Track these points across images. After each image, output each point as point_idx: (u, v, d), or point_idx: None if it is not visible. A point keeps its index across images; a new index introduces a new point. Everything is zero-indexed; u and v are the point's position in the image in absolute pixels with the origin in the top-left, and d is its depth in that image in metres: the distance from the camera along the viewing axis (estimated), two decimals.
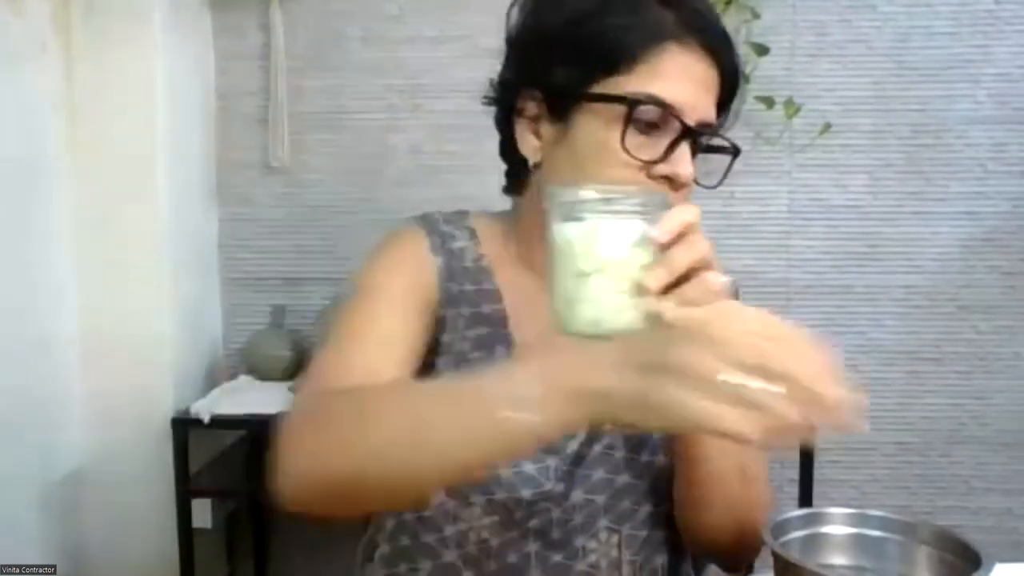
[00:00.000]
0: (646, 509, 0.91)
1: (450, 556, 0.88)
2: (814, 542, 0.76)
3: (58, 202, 1.90)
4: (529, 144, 0.88)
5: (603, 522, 0.89)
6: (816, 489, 1.90)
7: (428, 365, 0.91)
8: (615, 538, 0.89)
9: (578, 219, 0.65)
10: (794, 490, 1.97)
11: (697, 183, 0.84)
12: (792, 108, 2.05)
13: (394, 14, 2.17)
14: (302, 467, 0.72)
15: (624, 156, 0.81)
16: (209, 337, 2.24)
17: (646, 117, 0.80)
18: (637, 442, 0.91)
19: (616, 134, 0.81)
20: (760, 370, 0.53)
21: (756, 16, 2.00)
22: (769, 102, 2.02)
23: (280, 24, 2.17)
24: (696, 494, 0.86)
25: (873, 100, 2.13)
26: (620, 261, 0.65)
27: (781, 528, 0.74)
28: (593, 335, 0.66)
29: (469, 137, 2.14)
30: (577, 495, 0.88)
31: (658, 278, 0.63)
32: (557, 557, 0.88)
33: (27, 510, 1.84)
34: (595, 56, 0.82)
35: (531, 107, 0.87)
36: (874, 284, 2.18)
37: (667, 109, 0.80)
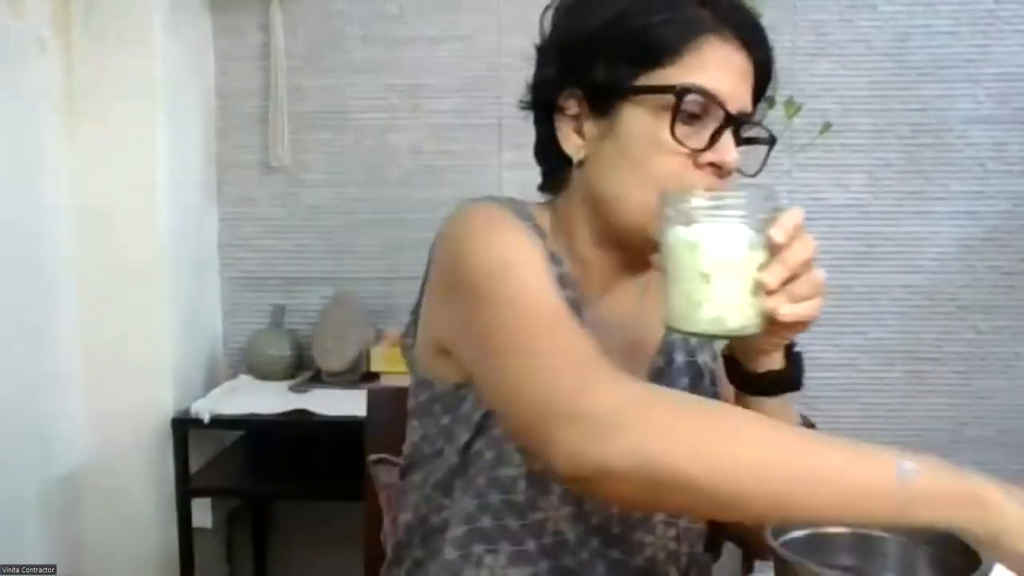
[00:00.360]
0: None
1: (530, 545, 0.87)
2: (814, 542, 0.76)
3: (58, 201, 1.90)
4: (572, 142, 0.89)
5: (659, 516, 0.91)
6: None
7: None
8: (672, 531, 0.91)
9: (697, 222, 0.70)
10: None
11: (740, 172, 0.87)
12: (792, 108, 2.05)
13: (394, 14, 2.17)
14: (671, 460, 0.65)
15: (673, 145, 0.83)
16: (209, 337, 2.24)
17: (691, 107, 0.83)
18: None
19: (664, 124, 0.83)
20: None
21: (756, 16, 2.00)
22: (769, 102, 2.01)
23: (280, 24, 2.17)
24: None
25: (873, 100, 2.14)
26: (740, 262, 0.70)
27: (781, 528, 0.74)
28: (714, 334, 0.72)
29: (469, 137, 2.14)
30: None
31: (777, 277, 0.71)
32: (616, 553, 0.89)
33: (27, 510, 1.84)
34: (638, 51, 0.84)
35: (572, 105, 0.89)
36: (874, 284, 2.18)
37: (711, 98, 0.83)
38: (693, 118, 0.83)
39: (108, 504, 2.01)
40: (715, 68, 0.83)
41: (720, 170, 0.84)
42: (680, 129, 0.82)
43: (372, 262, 2.22)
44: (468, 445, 0.88)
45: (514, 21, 2.11)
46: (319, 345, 2.12)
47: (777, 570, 0.69)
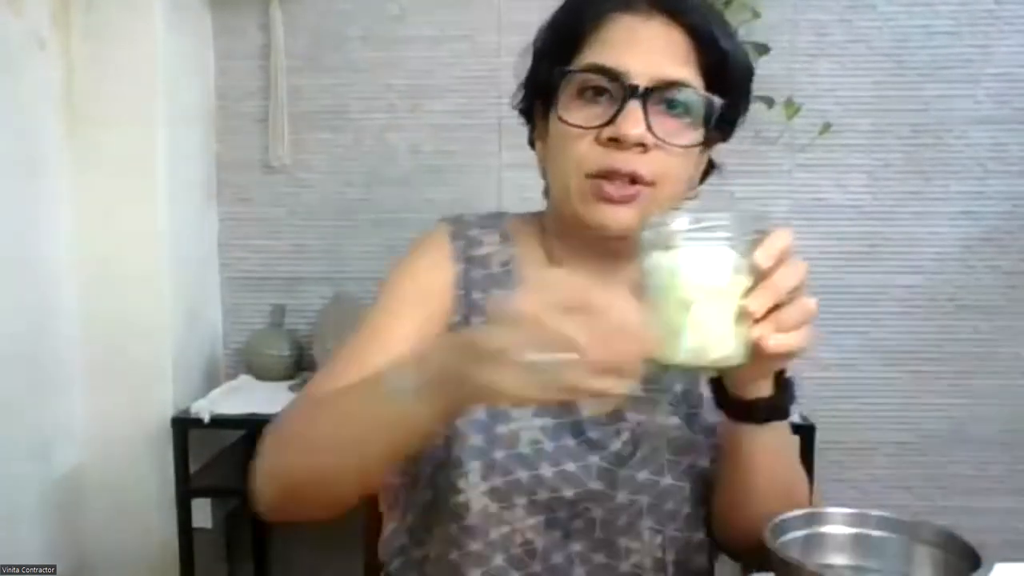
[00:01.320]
0: (688, 511, 0.91)
1: (498, 560, 0.87)
2: (814, 542, 0.76)
3: (58, 201, 1.90)
4: (538, 150, 0.95)
5: (647, 523, 0.89)
6: (816, 489, 1.90)
7: None
8: (659, 539, 0.89)
9: (676, 247, 0.67)
10: None
11: (665, 142, 0.84)
12: (792, 108, 2.05)
13: (394, 14, 2.17)
14: (266, 472, 0.80)
15: (574, 129, 0.84)
16: (209, 337, 2.24)
17: (592, 85, 0.84)
18: (682, 445, 0.91)
19: (572, 109, 0.85)
20: (555, 344, 0.59)
21: (756, 16, 2.00)
22: (769, 102, 2.02)
23: (280, 24, 2.17)
24: (737, 499, 0.86)
25: (873, 100, 2.13)
26: (723, 288, 0.67)
27: (781, 528, 0.74)
28: (696, 365, 0.68)
29: (469, 137, 2.14)
30: (622, 496, 0.88)
31: (763, 304, 0.68)
32: (600, 557, 0.89)
33: (27, 510, 1.84)
34: (557, 47, 0.89)
35: (539, 116, 0.94)
36: (874, 284, 2.18)
37: (606, 73, 0.83)
38: (599, 96, 0.84)
39: (108, 504, 2.01)
40: (619, 42, 0.84)
41: (620, 144, 0.83)
42: (586, 111, 0.84)
43: (372, 262, 2.22)
44: (432, 477, 0.91)
45: (514, 21, 2.11)
46: (319, 345, 2.12)
47: (777, 570, 0.69)
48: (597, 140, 0.84)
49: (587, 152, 0.84)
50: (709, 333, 0.67)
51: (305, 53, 2.19)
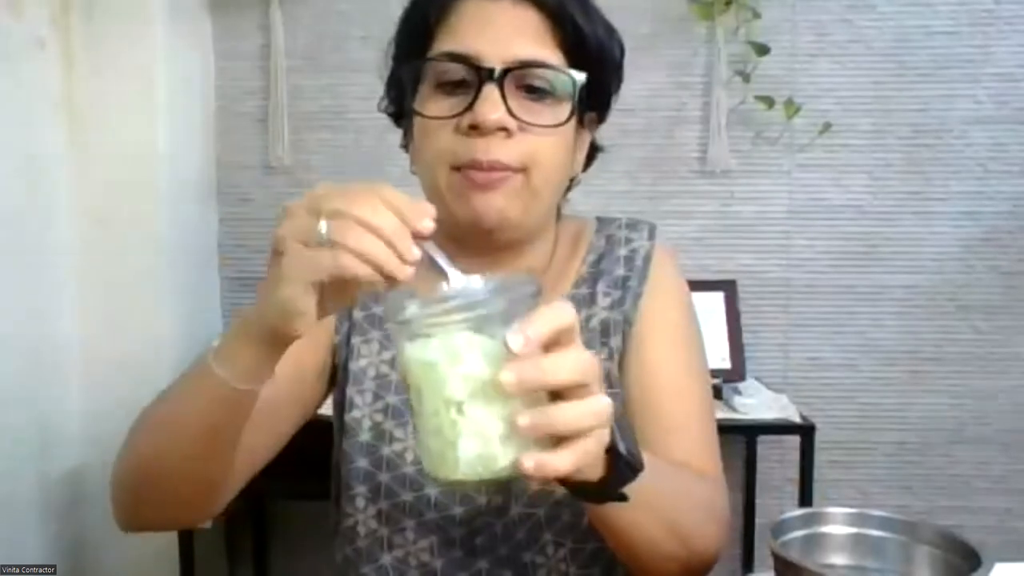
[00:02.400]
0: (587, 522, 0.84)
1: None
2: (814, 542, 0.76)
3: (58, 202, 1.90)
4: (410, 153, 0.90)
5: (547, 536, 0.85)
6: (816, 489, 1.90)
7: (343, 402, 0.91)
8: (561, 552, 0.85)
9: (432, 335, 0.54)
10: (794, 490, 1.97)
11: (528, 123, 0.80)
12: (792, 108, 2.05)
13: (395, 14, 2.16)
14: (114, 473, 0.78)
15: (433, 122, 0.80)
16: (209, 337, 2.23)
17: (447, 77, 0.81)
18: None
19: (428, 103, 0.81)
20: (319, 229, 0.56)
21: (756, 16, 2.00)
22: (769, 102, 2.02)
23: (280, 24, 2.17)
24: (625, 555, 0.77)
25: (873, 100, 2.13)
26: (493, 381, 0.53)
27: (781, 528, 0.74)
28: (482, 479, 0.55)
29: None
30: (516, 508, 0.84)
31: (533, 415, 0.54)
32: (507, 574, 0.86)
33: (27, 510, 1.84)
34: (409, 42, 0.86)
35: (406, 118, 0.89)
36: (874, 284, 2.18)
37: (457, 59, 0.79)
38: (459, 85, 0.80)
39: (108, 504, 2.00)
40: (466, 29, 0.81)
41: (479, 130, 0.78)
42: (445, 102, 0.80)
43: None
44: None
45: None
46: None
47: (777, 570, 0.69)
48: (458, 130, 0.79)
49: (449, 144, 0.80)
50: (490, 436, 0.54)
51: (305, 53, 2.19)
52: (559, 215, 0.94)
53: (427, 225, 0.57)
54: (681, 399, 0.86)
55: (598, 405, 0.57)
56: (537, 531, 0.85)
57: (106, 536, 2.02)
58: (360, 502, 0.86)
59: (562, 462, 0.55)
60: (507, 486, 0.84)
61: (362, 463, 0.87)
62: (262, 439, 0.82)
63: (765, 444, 2.18)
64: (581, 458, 0.56)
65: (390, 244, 0.56)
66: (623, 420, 0.64)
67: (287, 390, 0.84)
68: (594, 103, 0.87)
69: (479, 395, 0.53)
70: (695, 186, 2.15)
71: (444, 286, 0.56)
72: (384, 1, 2.18)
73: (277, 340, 0.62)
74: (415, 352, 0.55)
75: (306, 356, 0.87)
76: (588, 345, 0.85)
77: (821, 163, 2.15)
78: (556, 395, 0.56)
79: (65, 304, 1.93)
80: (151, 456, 0.73)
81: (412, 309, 0.54)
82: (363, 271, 0.56)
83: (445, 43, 0.81)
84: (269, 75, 2.18)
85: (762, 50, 2.01)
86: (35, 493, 1.86)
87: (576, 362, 0.56)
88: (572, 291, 0.90)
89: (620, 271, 0.90)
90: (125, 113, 1.93)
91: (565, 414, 0.55)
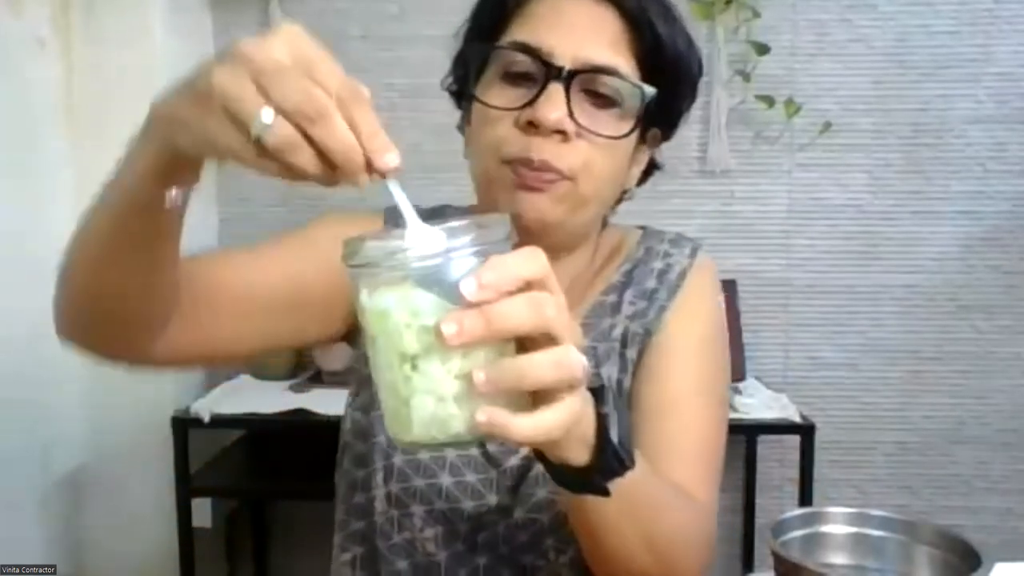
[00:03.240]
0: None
1: (401, 564, 0.85)
2: (814, 542, 0.76)
3: (58, 201, 1.90)
4: (465, 136, 0.90)
5: (550, 541, 0.83)
6: (816, 489, 1.90)
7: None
8: (564, 558, 0.83)
9: (391, 281, 0.49)
10: (794, 490, 1.97)
11: (587, 130, 0.77)
12: (792, 107, 2.05)
13: (394, 14, 2.17)
14: (57, 284, 0.73)
15: (492, 111, 0.78)
16: None
17: (514, 68, 0.78)
18: None
19: (491, 92, 0.79)
20: (299, 115, 0.48)
21: (756, 15, 2.00)
22: (769, 101, 2.02)
23: (280, 23, 2.17)
24: (596, 560, 0.74)
25: (873, 100, 2.13)
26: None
27: (781, 528, 0.74)
28: (440, 443, 0.50)
29: None
30: (519, 512, 0.83)
31: (487, 369, 0.49)
32: (506, 573, 0.85)
33: (27, 510, 1.84)
34: (483, 25, 0.83)
35: (467, 101, 0.87)
36: (874, 284, 2.18)
37: (527, 51, 0.77)
38: (524, 77, 0.78)
39: (108, 504, 2.01)
40: (542, 23, 0.78)
41: (537, 128, 0.76)
42: (509, 92, 0.78)
43: None
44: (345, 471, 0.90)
45: None
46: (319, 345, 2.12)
47: (777, 570, 0.69)
48: (516, 124, 0.77)
49: (505, 136, 0.78)
50: (446, 397, 0.49)
51: None
52: (605, 224, 0.92)
53: (391, 161, 0.51)
54: (684, 415, 0.82)
55: (564, 357, 0.50)
56: (540, 536, 0.84)
57: (106, 536, 2.02)
58: (378, 477, 0.85)
59: (521, 425, 0.50)
60: (515, 489, 0.83)
61: (382, 440, 0.86)
62: (248, 327, 0.79)
63: (765, 444, 2.19)
64: (546, 426, 0.51)
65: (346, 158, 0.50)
66: (622, 414, 0.61)
67: (284, 294, 0.80)
68: (661, 119, 0.84)
69: (434, 350, 0.48)
70: (695, 186, 2.15)
71: (404, 229, 0.50)
72: (383, 1, 2.19)
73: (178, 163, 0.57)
74: (369, 300, 0.49)
75: (316, 280, 0.81)
76: (607, 355, 0.84)
77: (821, 163, 2.15)
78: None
79: None
80: (71, 254, 0.71)
81: (369, 252, 0.49)
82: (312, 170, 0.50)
83: (518, 32, 0.79)
84: None
85: (762, 49, 2.01)
86: (35, 493, 1.86)
87: (530, 306, 0.49)
88: (600, 298, 0.89)
89: (651, 283, 0.88)
90: (125, 113, 1.92)
91: (518, 364, 0.49)
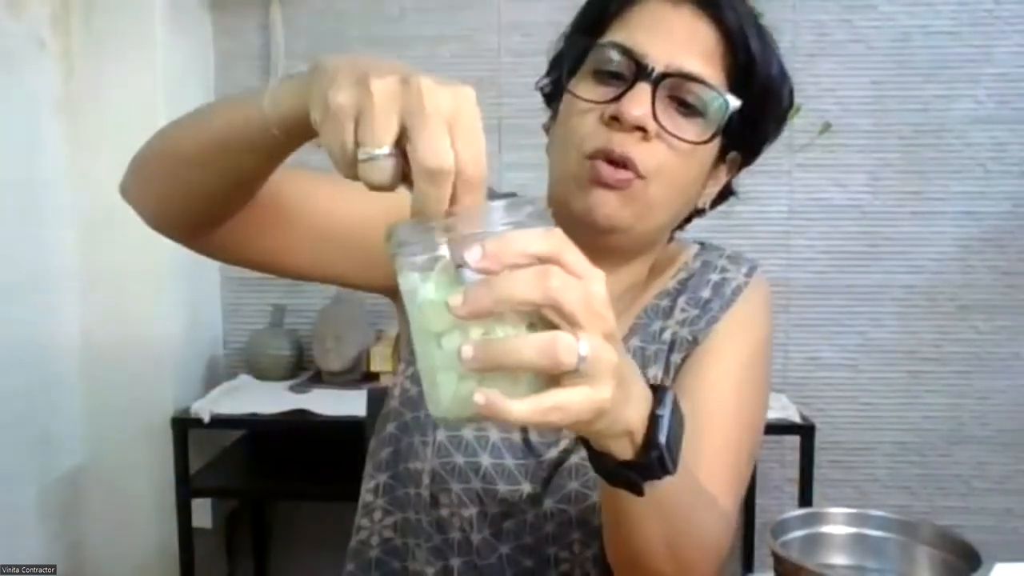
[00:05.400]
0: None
1: (437, 540, 0.86)
2: (814, 542, 0.76)
3: (58, 202, 1.90)
4: (549, 135, 0.90)
5: (576, 535, 0.84)
6: (816, 489, 1.90)
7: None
8: (588, 552, 0.84)
9: (421, 264, 0.51)
10: (794, 490, 1.97)
11: (667, 131, 0.79)
12: (792, 108, 2.05)
13: (394, 14, 2.17)
14: (138, 155, 0.80)
15: (582, 103, 0.80)
16: (209, 337, 2.24)
17: (608, 66, 0.80)
18: None
19: (582, 87, 0.81)
20: (421, 165, 0.49)
21: (756, 16, 2.00)
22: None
23: (280, 24, 2.17)
24: (615, 551, 0.74)
25: (873, 100, 2.14)
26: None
27: (781, 528, 0.74)
28: (467, 419, 0.51)
29: None
30: (549, 503, 0.85)
31: (474, 347, 0.48)
32: (529, 562, 0.86)
33: (27, 510, 1.84)
34: (584, 25, 0.85)
35: (558, 102, 0.89)
36: (874, 284, 2.18)
37: (622, 51, 0.79)
38: (613, 77, 0.80)
39: (108, 504, 2.01)
40: (642, 26, 0.81)
41: (619, 123, 0.78)
42: (598, 89, 0.80)
43: None
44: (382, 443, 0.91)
45: (514, 21, 2.11)
46: (319, 345, 2.12)
47: (777, 570, 0.69)
48: (601, 119, 0.79)
49: (590, 131, 0.80)
50: (467, 374, 0.50)
51: (305, 53, 2.19)
52: (671, 239, 0.94)
53: (471, 258, 0.50)
54: (717, 423, 0.82)
55: (549, 342, 0.49)
56: (567, 528, 0.85)
57: (106, 536, 2.02)
58: (428, 450, 0.86)
59: (519, 408, 0.49)
60: (548, 479, 0.84)
61: (424, 413, 0.87)
62: (306, 247, 0.82)
63: (765, 444, 2.17)
64: (541, 409, 0.50)
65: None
66: (677, 420, 0.61)
67: (345, 230, 0.83)
68: (743, 141, 0.86)
69: (456, 328, 0.49)
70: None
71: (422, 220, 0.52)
72: (383, 1, 2.20)
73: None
74: (403, 280, 0.52)
75: (371, 228, 0.82)
76: (655, 358, 0.86)
77: (821, 163, 2.15)
78: None
79: (65, 304, 1.93)
80: (169, 141, 0.76)
81: (401, 234, 0.51)
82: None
83: (616, 34, 0.81)
84: (269, 75, 2.18)
85: None
86: (36, 493, 1.86)
87: (536, 278, 0.48)
88: (653, 301, 0.90)
89: (705, 293, 0.89)
90: (125, 113, 1.93)
91: (503, 344, 0.49)
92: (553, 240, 0.50)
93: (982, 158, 2.14)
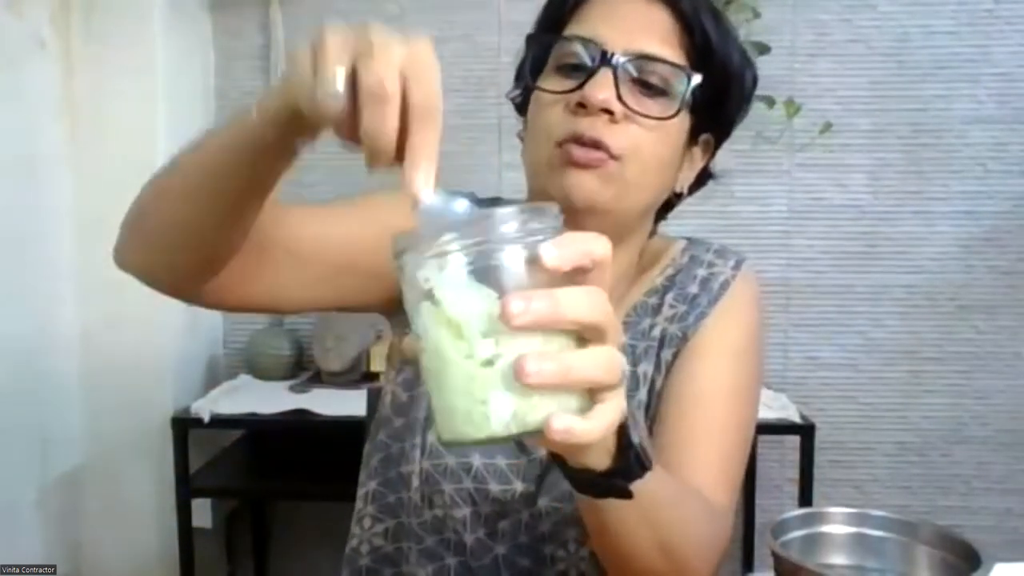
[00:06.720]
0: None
1: (430, 541, 0.87)
2: (814, 542, 0.76)
3: (58, 202, 1.90)
4: (524, 139, 0.92)
5: (571, 533, 0.85)
6: (816, 489, 1.90)
7: None
8: (584, 551, 0.84)
9: (452, 263, 0.47)
10: (794, 490, 1.97)
11: (633, 110, 0.80)
12: (792, 108, 2.05)
13: (394, 14, 2.17)
14: (129, 211, 0.79)
15: (547, 96, 0.83)
16: (209, 337, 2.24)
17: (570, 59, 0.82)
18: None
19: (544, 82, 0.84)
20: (366, 89, 0.52)
21: (756, 15, 2.00)
22: (769, 102, 2.02)
23: (280, 24, 2.17)
24: (608, 561, 0.74)
25: (873, 100, 2.14)
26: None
27: (781, 528, 0.74)
28: (512, 436, 0.47)
29: (469, 137, 2.13)
30: (544, 501, 0.85)
31: (519, 320, 0.45)
32: (525, 562, 0.86)
33: (27, 510, 1.84)
34: (543, 27, 0.88)
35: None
36: (874, 284, 2.18)
37: (582, 42, 0.81)
38: (576, 69, 0.82)
39: (108, 504, 2.01)
40: (598, 18, 0.83)
41: (586, 109, 0.80)
42: (562, 80, 0.82)
43: None
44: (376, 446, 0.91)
45: (514, 21, 2.11)
46: (319, 345, 2.12)
47: (777, 570, 0.69)
48: (567, 107, 0.81)
49: (557, 120, 0.81)
50: (518, 389, 0.46)
51: None
52: (653, 232, 0.95)
53: (425, 197, 0.53)
54: (710, 418, 0.82)
55: (612, 357, 0.49)
56: (562, 526, 0.85)
57: (106, 536, 2.02)
58: (417, 452, 0.86)
59: (588, 427, 0.48)
60: (542, 477, 0.84)
61: (419, 414, 0.87)
62: (300, 279, 0.82)
63: (765, 444, 2.18)
64: (605, 427, 0.49)
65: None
66: (636, 415, 0.62)
67: (339, 256, 0.83)
68: (711, 122, 0.87)
69: (503, 344, 0.46)
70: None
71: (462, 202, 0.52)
72: (383, 1, 2.19)
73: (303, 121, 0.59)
74: (438, 288, 0.48)
75: (368, 249, 0.82)
76: (645, 355, 0.86)
77: (821, 163, 2.15)
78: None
79: (65, 304, 1.93)
80: (162, 182, 0.75)
81: (408, 241, 0.49)
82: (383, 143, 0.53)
83: (575, 28, 0.84)
84: (269, 75, 2.18)
85: (762, 50, 2.01)
86: (35, 493, 1.86)
87: (595, 299, 0.48)
88: (642, 298, 0.90)
89: (693, 288, 0.90)
90: (125, 113, 1.94)
91: (567, 359, 0.47)
92: (606, 244, 0.49)
93: (982, 158, 2.14)
